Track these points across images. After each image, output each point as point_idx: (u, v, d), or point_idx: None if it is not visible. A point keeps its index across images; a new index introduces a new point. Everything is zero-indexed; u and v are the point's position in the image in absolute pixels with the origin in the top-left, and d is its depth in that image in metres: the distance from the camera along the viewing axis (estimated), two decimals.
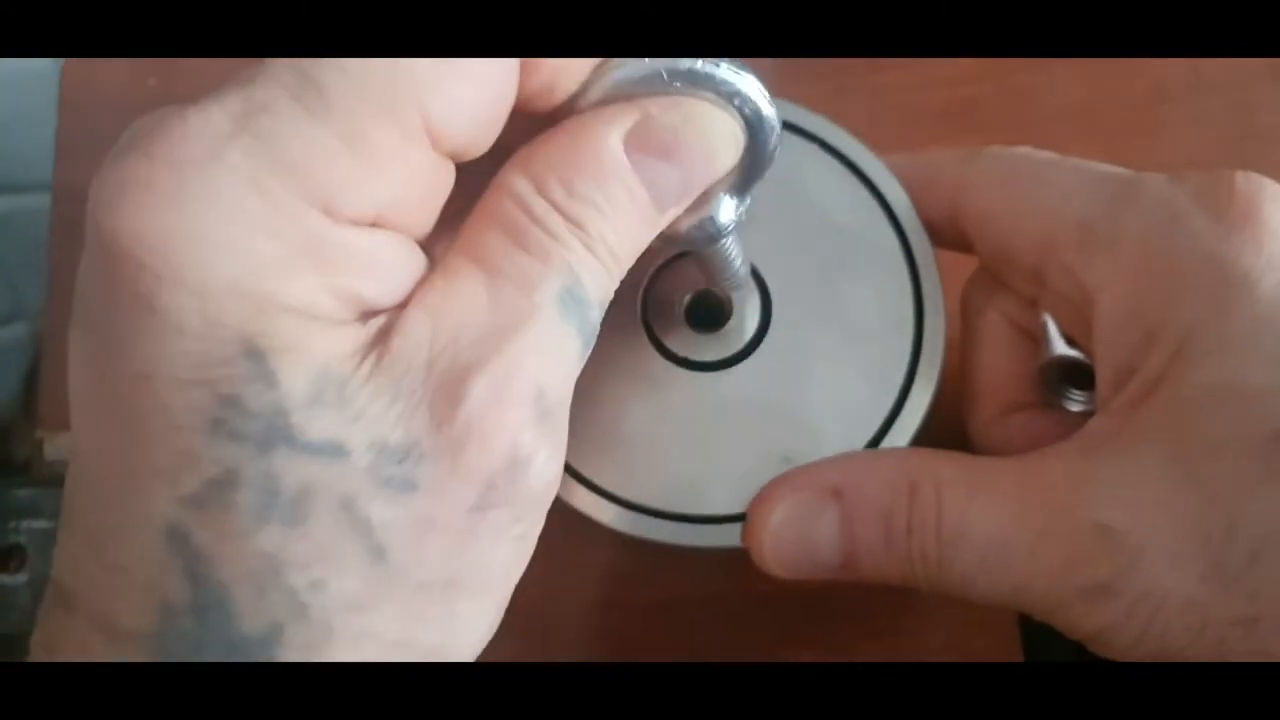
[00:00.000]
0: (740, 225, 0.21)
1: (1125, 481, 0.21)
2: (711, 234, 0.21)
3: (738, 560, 0.24)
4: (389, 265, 0.18)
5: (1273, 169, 0.22)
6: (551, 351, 0.18)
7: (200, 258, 0.16)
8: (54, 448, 0.35)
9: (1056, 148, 0.26)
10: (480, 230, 0.18)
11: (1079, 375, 0.26)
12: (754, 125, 0.20)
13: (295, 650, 0.17)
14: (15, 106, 0.48)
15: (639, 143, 0.19)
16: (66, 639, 0.17)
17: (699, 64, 0.19)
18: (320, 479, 0.17)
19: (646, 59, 0.19)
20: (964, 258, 0.27)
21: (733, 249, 0.23)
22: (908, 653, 0.31)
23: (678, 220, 0.20)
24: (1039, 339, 0.27)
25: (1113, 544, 0.20)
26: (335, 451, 0.17)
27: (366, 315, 0.18)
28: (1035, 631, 0.30)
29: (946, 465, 0.22)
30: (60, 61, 0.40)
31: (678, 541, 0.24)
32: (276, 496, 0.16)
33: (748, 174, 0.21)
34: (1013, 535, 0.21)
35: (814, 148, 0.27)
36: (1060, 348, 0.26)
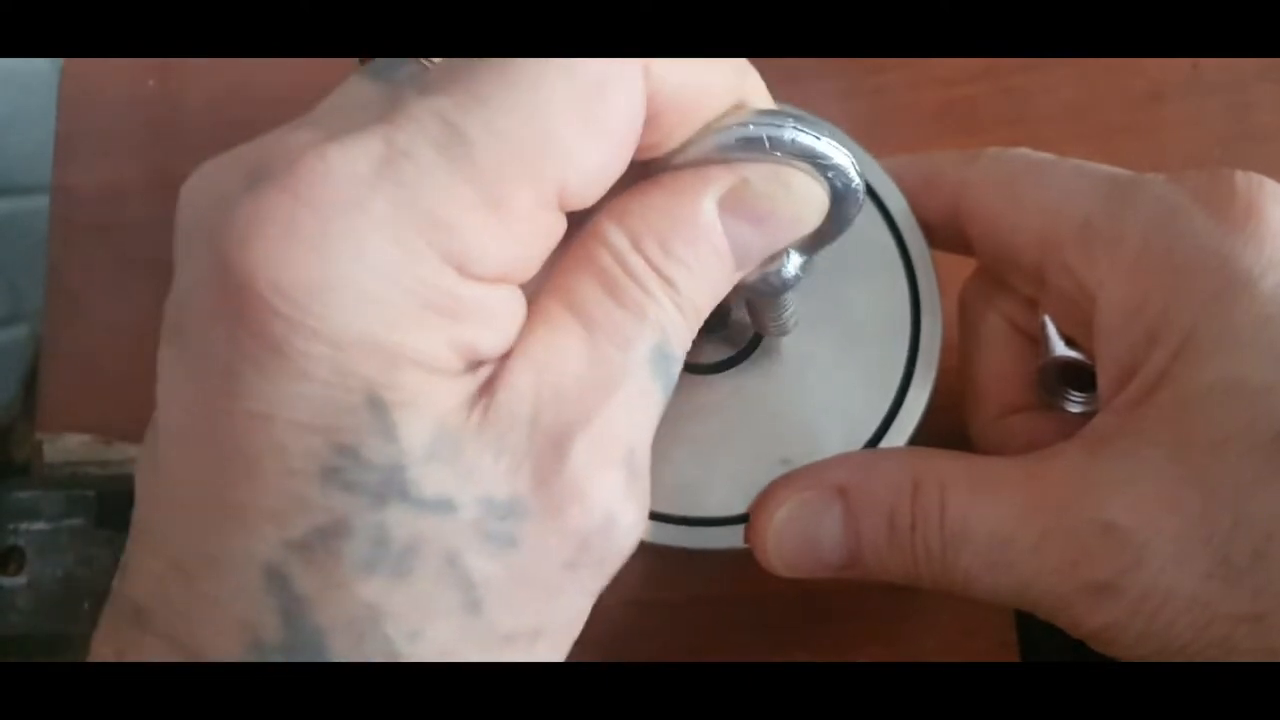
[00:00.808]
0: (800, 280, 0.22)
1: (1128, 480, 0.21)
2: (776, 287, 0.22)
3: (736, 562, 0.24)
4: (504, 317, 0.18)
5: (1270, 168, 0.23)
6: (642, 410, 0.19)
7: (338, 309, 0.16)
8: (53, 450, 0.35)
9: (1054, 148, 0.26)
10: (577, 278, 0.19)
11: (1078, 376, 0.26)
12: (842, 196, 0.20)
13: None
14: (15, 106, 0.48)
15: (733, 206, 0.19)
16: (139, 655, 0.17)
17: (802, 134, 0.19)
18: (429, 533, 0.17)
19: (750, 122, 0.19)
20: (962, 260, 0.27)
21: (788, 301, 0.23)
22: (905, 653, 0.31)
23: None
24: (1038, 340, 0.27)
25: (1116, 542, 0.20)
26: (446, 507, 0.17)
27: (476, 364, 0.18)
28: (1031, 632, 0.30)
29: (950, 464, 0.22)
30: (60, 61, 0.40)
31: (676, 543, 0.24)
32: (385, 549, 0.17)
33: (823, 238, 0.21)
34: (1016, 533, 0.21)
35: None
36: (1060, 348, 0.26)
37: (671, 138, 0.19)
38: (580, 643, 0.33)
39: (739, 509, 0.24)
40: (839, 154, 0.20)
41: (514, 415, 0.17)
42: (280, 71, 0.33)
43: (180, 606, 0.17)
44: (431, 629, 0.17)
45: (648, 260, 0.19)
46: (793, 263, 0.21)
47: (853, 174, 0.20)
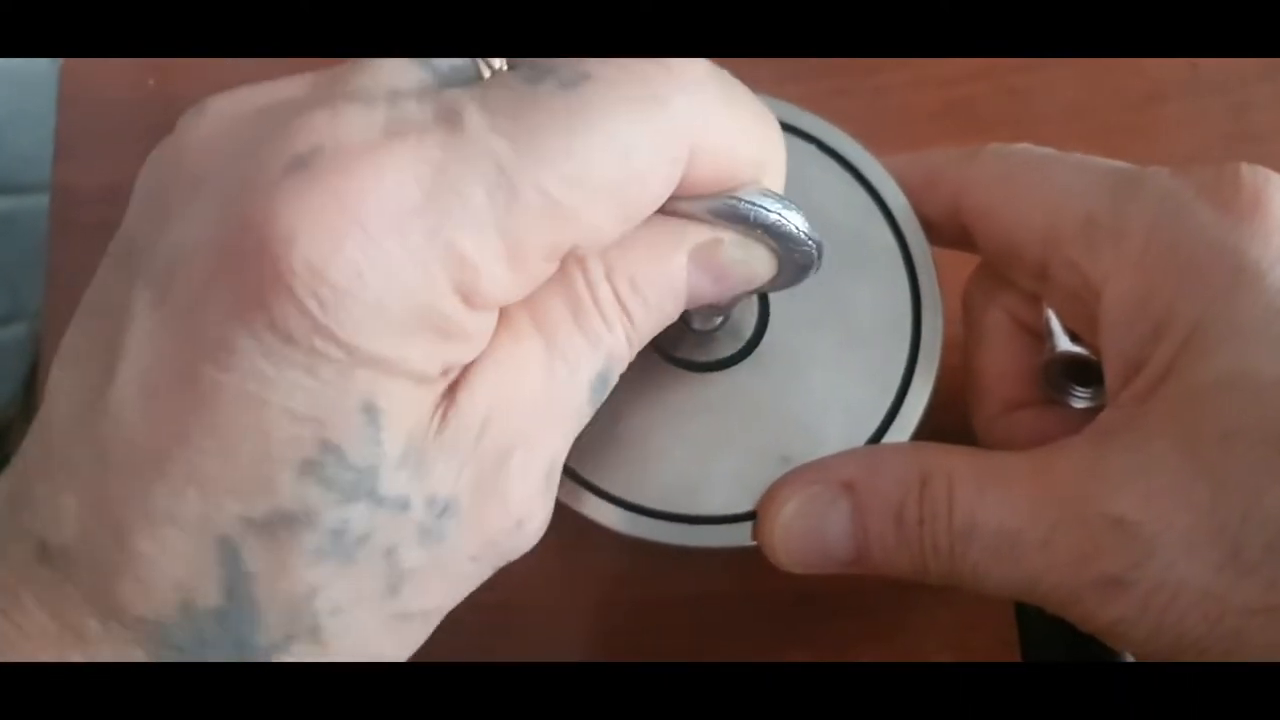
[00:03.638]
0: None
1: (1137, 473, 0.21)
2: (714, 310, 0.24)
3: (736, 560, 0.24)
4: (485, 334, 0.19)
5: (1270, 168, 0.22)
6: (573, 429, 0.20)
7: (359, 320, 0.16)
8: None
9: (1054, 147, 0.26)
10: (549, 295, 0.19)
11: (1083, 371, 0.26)
12: (804, 267, 0.22)
13: (294, 659, 0.18)
14: (15, 106, 0.48)
15: (702, 260, 0.21)
16: (50, 600, 0.17)
17: (784, 222, 0.21)
18: (380, 528, 0.18)
19: (747, 199, 0.20)
20: (963, 257, 0.27)
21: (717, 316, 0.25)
22: (905, 652, 0.31)
23: None
24: (1042, 335, 0.27)
25: (1126, 536, 0.20)
26: (401, 505, 0.18)
27: (449, 371, 0.18)
28: (1031, 630, 0.30)
29: (958, 458, 0.22)
30: (60, 61, 0.40)
31: (676, 542, 0.24)
32: (341, 540, 0.17)
33: (776, 289, 0.23)
34: (1025, 528, 0.21)
35: (812, 148, 0.27)
36: (1064, 344, 0.26)
37: (682, 195, 0.20)
38: (580, 642, 0.33)
39: (739, 508, 0.24)
40: (811, 242, 0.21)
41: (469, 422, 0.18)
42: (280, 71, 0.33)
43: (104, 557, 0.17)
44: (353, 609, 0.18)
45: (615, 292, 0.20)
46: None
47: (815, 254, 0.22)
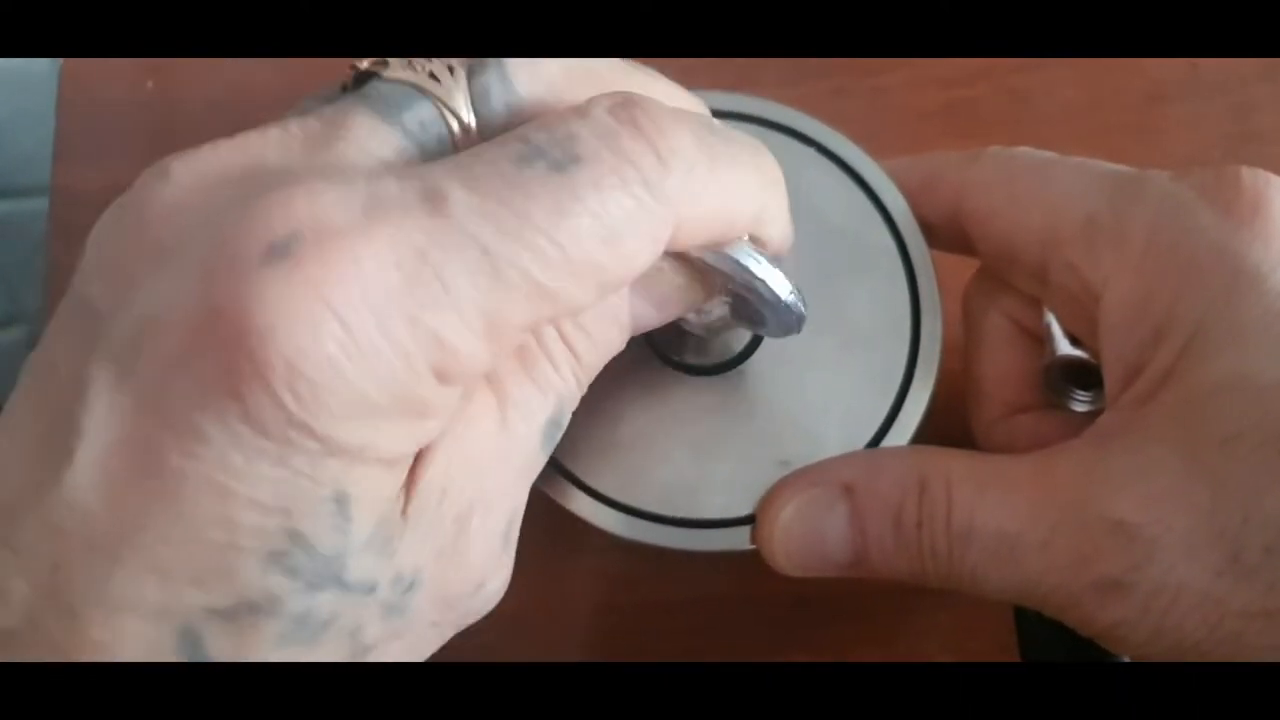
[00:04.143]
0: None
1: (1137, 476, 0.21)
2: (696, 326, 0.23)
3: (735, 564, 0.24)
4: (455, 407, 0.18)
5: (1271, 169, 0.22)
6: (527, 480, 0.20)
7: (338, 413, 0.16)
8: None
9: (1054, 148, 0.26)
10: None
11: (1083, 375, 0.26)
12: (785, 322, 0.22)
13: None
14: (14, 107, 0.48)
15: (642, 289, 0.20)
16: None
17: (771, 294, 0.21)
18: (346, 611, 0.17)
19: (729, 255, 0.20)
20: (963, 261, 0.27)
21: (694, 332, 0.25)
22: (904, 653, 0.31)
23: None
24: (1042, 339, 0.27)
25: (1125, 539, 0.20)
26: (367, 589, 0.17)
27: (419, 448, 0.18)
28: (1030, 634, 0.30)
29: (956, 462, 0.22)
30: (60, 61, 0.40)
31: (675, 545, 0.24)
32: (305, 626, 0.17)
33: (760, 332, 0.23)
34: (1024, 531, 0.21)
35: (810, 151, 0.27)
36: (1064, 347, 0.26)
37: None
38: (579, 645, 0.33)
39: (738, 511, 0.24)
40: (788, 296, 0.21)
41: (431, 492, 0.18)
42: (280, 71, 0.33)
43: (56, 643, 0.16)
44: None
45: (561, 334, 0.20)
46: (708, 315, 0.23)
47: (799, 307, 0.21)
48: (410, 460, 0.18)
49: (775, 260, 0.21)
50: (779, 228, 0.21)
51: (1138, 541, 0.20)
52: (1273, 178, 0.22)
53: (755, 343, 0.25)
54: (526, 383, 0.19)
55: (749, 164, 0.20)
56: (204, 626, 0.16)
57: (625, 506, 0.24)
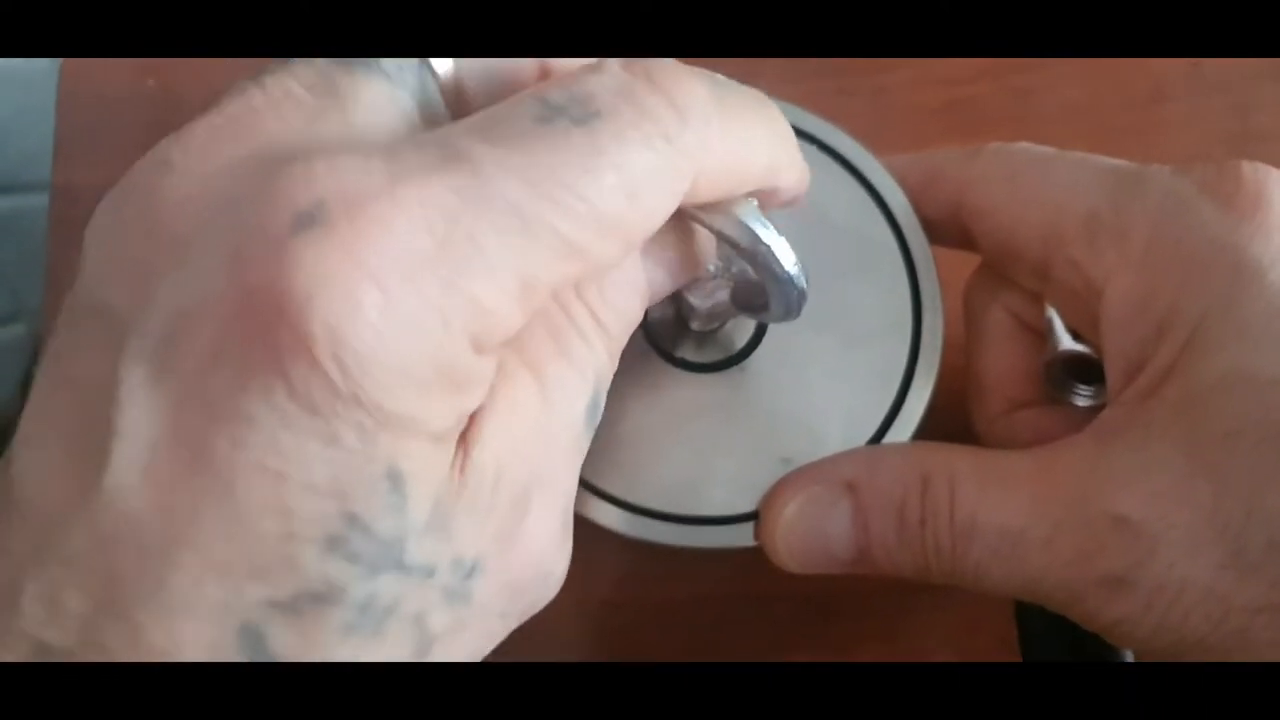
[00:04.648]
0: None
1: (1140, 472, 0.21)
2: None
3: (738, 561, 0.24)
4: (490, 378, 0.18)
5: (1272, 166, 0.22)
6: (578, 461, 0.20)
7: (383, 382, 0.15)
8: None
9: (1056, 146, 0.26)
10: (530, 328, 0.18)
11: (1085, 370, 0.26)
12: (788, 297, 0.21)
13: None
14: (15, 106, 0.48)
15: (655, 253, 0.20)
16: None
17: (776, 263, 0.20)
18: (407, 596, 0.17)
19: (736, 214, 0.20)
20: (965, 257, 0.27)
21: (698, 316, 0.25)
22: (906, 652, 0.31)
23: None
24: (1044, 335, 0.27)
25: (1129, 535, 0.20)
26: (427, 572, 0.17)
27: (461, 423, 0.18)
28: (1032, 631, 0.30)
29: (959, 458, 0.22)
30: (60, 61, 0.40)
31: (677, 543, 0.24)
32: (369, 614, 0.17)
33: (763, 319, 0.23)
34: (1027, 527, 0.21)
35: (812, 149, 0.27)
36: (1066, 343, 0.26)
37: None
38: (580, 643, 0.33)
39: (740, 508, 0.24)
40: (792, 267, 0.21)
41: (484, 475, 0.18)
42: None
43: (120, 656, 0.16)
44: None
45: (589, 307, 0.19)
46: (710, 299, 0.24)
47: (801, 281, 0.21)
48: (456, 435, 0.17)
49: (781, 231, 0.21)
50: (794, 174, 0.21)
51: (1141, 538, 0.20)
52: (1273, 171, 0.22)
53: (757, 340, 0.25)
54: (562, 362, 0.19)
55: (759, 114, 0.20)
56: (267, 621, 0.16)
57: (627, 504, 0.24)
